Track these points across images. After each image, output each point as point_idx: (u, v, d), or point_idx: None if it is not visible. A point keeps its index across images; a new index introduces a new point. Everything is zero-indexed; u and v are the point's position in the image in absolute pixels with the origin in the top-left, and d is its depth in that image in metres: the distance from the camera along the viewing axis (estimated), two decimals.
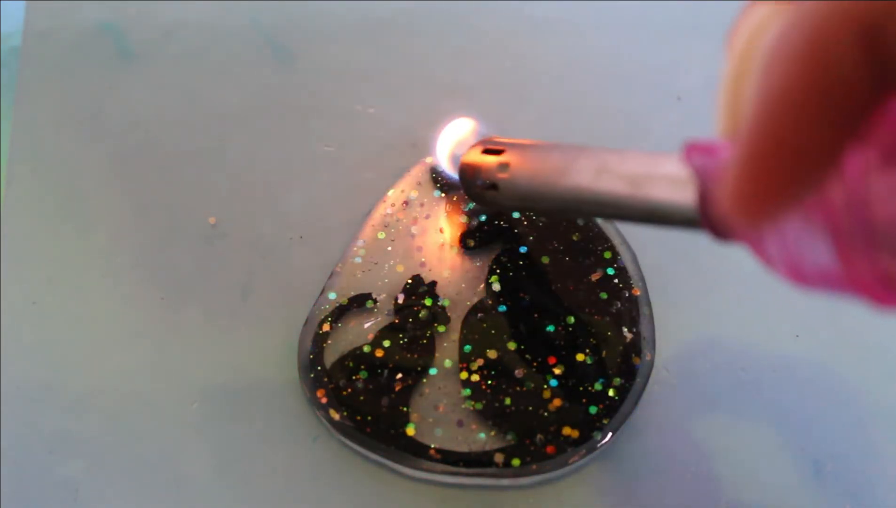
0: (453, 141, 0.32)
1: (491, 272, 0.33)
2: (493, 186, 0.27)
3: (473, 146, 0.28)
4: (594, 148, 0.23)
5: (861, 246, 0.13)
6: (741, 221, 0.14)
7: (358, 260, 0.33)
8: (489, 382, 0.31)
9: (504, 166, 0.26)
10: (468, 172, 0.28)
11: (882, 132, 0.13)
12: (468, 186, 0.28)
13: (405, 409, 0.30)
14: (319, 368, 0.31)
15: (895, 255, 0.13)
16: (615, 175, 0.22)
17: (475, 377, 0.31)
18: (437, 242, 0.33)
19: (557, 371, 0.31)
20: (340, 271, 0.33)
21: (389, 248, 0.33)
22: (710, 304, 0.33)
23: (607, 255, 0.33)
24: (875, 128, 0.13)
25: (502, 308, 0.32)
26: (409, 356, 0.31)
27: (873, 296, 0.14)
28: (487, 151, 0.27)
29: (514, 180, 0.26)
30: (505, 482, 0.30)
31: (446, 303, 0.32)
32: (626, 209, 0.21)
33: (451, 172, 0.32)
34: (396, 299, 0.32)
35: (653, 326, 0.32)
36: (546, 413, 0.30)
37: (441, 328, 0.32)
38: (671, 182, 0.20)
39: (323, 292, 0.32)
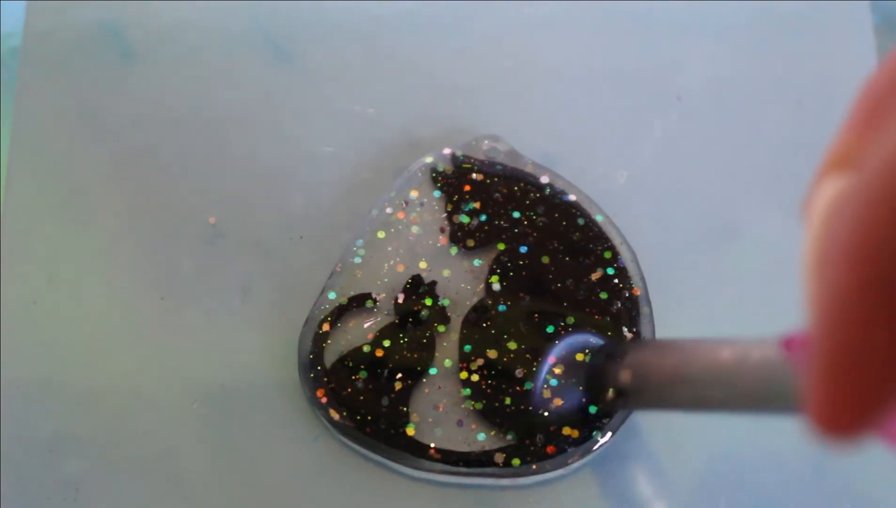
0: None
1: (491, 272, 0.32)
2: (621, 392, 0.28)
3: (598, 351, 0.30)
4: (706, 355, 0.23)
5: None
6: (832, 434, 0.12)
7: (358, 260, 0.33)
8: (489, 382, 0.31)
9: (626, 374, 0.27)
10: (595, 380, 0.29)
11: None
12: (595, 395, 0.30)
13: (405, 409, 0.30)
14: (319, 368, 0.31)
15: None
16: (737, 392, 0.21)
17: (475, 377, 0.31)
18: (437, 242, 0.33)
19: (557, 371, 0.31)
20: (340, 271, 0.33)
21: (389, 248, 0.33)
22: (710, 304, 0.33)
23: (607, 255, 0.33)
24: None
25: (502, 308, 0.32)
26: (409, 355, 0.31)
27: None
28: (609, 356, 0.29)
29: (636, 389, 0.27)
30: (505, 482, 0.30)
31: (446, 303, 0.32)
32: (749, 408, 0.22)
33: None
34: (396, 299, 0.32)
35: (653, 326, 0.32)
36: (546, 413, 0.30)
37: (441, 328, 0.32)
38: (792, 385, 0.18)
39: (323, 292, 0.32)
